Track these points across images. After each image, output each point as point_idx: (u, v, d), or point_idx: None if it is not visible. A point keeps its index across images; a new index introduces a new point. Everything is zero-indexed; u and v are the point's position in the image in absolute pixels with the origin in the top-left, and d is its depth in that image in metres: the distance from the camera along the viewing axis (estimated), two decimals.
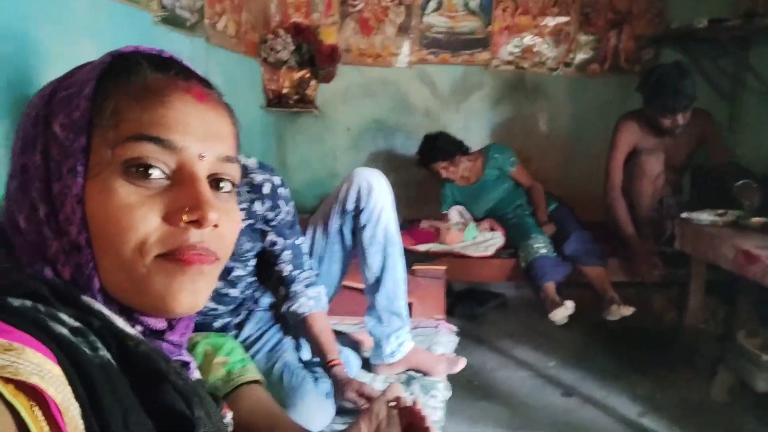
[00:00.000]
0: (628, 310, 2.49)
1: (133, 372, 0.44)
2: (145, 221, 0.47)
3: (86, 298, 0.47)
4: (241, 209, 1.47)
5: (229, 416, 0.61)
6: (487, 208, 3.09)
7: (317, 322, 1.47)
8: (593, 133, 3.49)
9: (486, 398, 2.35)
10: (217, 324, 1.52)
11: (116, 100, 0.49)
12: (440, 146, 3.01)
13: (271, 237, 1.46)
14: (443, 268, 2.02)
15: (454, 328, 1.94)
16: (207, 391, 1.14)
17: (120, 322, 0.47)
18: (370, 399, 1.33)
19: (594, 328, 2.89)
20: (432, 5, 3.63)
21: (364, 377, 1.64)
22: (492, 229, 2.94)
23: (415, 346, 1.66)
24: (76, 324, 0.43)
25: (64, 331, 0.41)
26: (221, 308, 1.52)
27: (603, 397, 2.34)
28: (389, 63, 3.69)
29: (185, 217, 0.48)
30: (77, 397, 0.39)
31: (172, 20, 2.26)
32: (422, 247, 2.82)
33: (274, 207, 1.43)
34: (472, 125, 3.71)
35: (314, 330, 1.46)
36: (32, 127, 0.50)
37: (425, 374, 1.63)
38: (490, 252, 2.81)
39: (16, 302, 0.42)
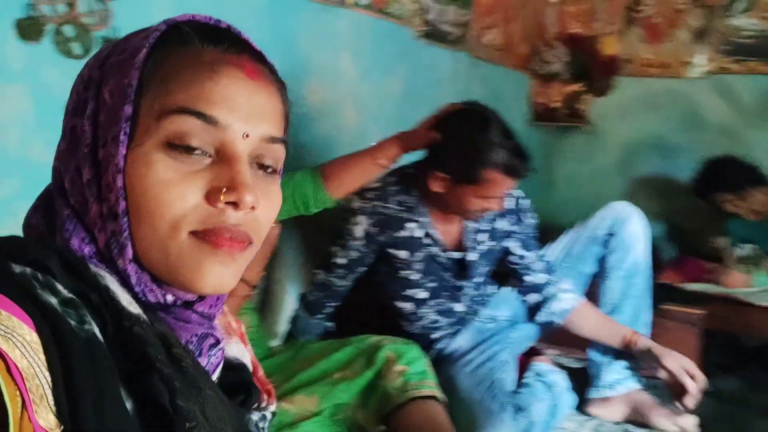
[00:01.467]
0: None
1: (126, 354, 0.43)
2: (183, 199, 0.47)
3: (99, 272, 0.47)
4: (483, 231, 1.46)
5: (272, 407, 0.57)
6: None
7: (590, 308, 1.51)
8: None
9: None
10: (436, 335, 1.53)
11: (165, 71, 0.48)
12: (725, 175, 2.48)
13: (518, 252, 1.52)
14: (700, 312, 1.66)
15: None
16: (353, 387, 1.10)
17: (124, 300, 0.45)
18: (693, 377, 1.35)
19: None
20: (740, 5, 3.06)
21: (575, 419, 1.46)
22: None
23: (639, 389, 1.50)
24: (70, 296, 0.42)
25: (53, 300, 0.41)
26: (443, 321, 1.53)
27: None
28: (679, 73, 3.24)
29: (223, 198, 0.47)
30: (51, 368, 0.38)
31: (433, 35, 2.34)
32: (691, 287, 2.39)
33: (518, 220, 1.52)
34: None
35: (593, 315, 1.50)
36: (84, 90, 0.50)
37: (645, 424, 1.43)
38: None
39: (17, 269, 0.42)
